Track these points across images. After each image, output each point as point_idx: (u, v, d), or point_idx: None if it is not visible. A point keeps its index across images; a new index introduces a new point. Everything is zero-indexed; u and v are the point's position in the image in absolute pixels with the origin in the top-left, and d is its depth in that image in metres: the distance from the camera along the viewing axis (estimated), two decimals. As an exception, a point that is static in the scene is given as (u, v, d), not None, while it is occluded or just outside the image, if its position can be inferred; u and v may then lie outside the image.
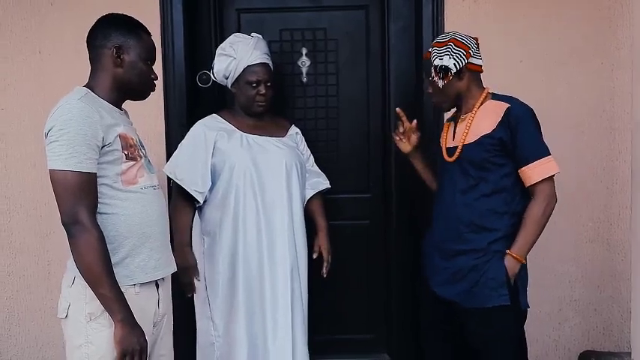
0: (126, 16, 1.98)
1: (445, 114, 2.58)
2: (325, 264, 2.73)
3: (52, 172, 1.76)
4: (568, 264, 2.96)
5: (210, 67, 2.67)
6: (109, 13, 1.98)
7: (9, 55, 2.90)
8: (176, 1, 2.87)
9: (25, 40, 2.89)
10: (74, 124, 1.73)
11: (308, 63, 3.10)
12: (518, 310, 2.21)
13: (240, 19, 3.08)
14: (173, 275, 2.08)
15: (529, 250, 2.18)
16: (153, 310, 1.92)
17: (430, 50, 2.29)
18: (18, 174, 2.94)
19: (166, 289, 2.02)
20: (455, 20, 2.87)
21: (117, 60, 1.89)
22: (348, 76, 3.11)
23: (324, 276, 2.71)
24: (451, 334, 2.35)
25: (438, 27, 2.87)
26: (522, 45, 2.89)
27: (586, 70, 2.90)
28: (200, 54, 3.02)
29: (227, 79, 2.61)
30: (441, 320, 2.36)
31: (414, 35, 2.99)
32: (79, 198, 1.73)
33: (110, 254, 1.76)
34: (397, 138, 2.55)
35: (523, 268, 2.22)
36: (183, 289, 2.53)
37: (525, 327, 2.29)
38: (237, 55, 2.55)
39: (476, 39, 2.29)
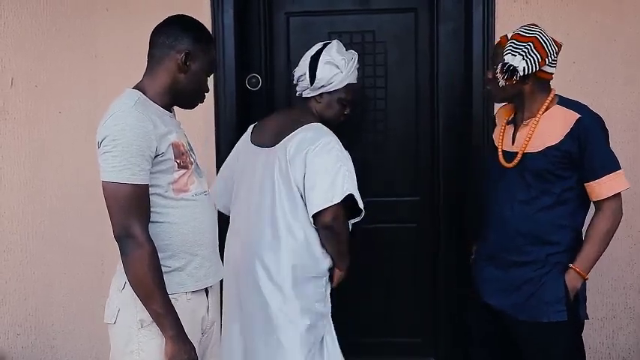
0: (199, 22, 1.90)
1: (495, 110, 2.50)
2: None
3: (105, 184, 1.70)
4: (623, 270, 2.88)
5: (312, 69, 2.45)
6: (182, 15, 1.92)
7: (67, 59, 2.98)
8: (227, 5, 2.90)
9: (81, 44, 2.97)
10: (128, 135, 1.66)
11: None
12: (576, 323, 2.13)
13: (290, 22, 3.10)
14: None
15: (592, 266, 2.09)
16: (202, 317, 1.89)
17: (508, 37, 2.10)
18: (73, 174, 3.01)
19: (215, 296, 1.98)
20: (506, 22, 2.82)
21: (183, 66, 1.80)
22: (397, 79, 3.09)
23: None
24: (500, 344, 2.29)
25: (488, 29, 2.83)
26: (575, 46, 2.81)
27: (643, 71, 2.83)
28: (249, 57, 3.05)
29: (322, 87, 2.47)
30: (490, 330, 2.29)
31: (463, 37, 2.95)
32: (132, 211, 1.67)
33: (162, 262, 1.72)
34: None
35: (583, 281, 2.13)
36: None
37: (580, 334, 2.24)
38: (345, 70, 2.45)
39: (560, 46, 2.11)
